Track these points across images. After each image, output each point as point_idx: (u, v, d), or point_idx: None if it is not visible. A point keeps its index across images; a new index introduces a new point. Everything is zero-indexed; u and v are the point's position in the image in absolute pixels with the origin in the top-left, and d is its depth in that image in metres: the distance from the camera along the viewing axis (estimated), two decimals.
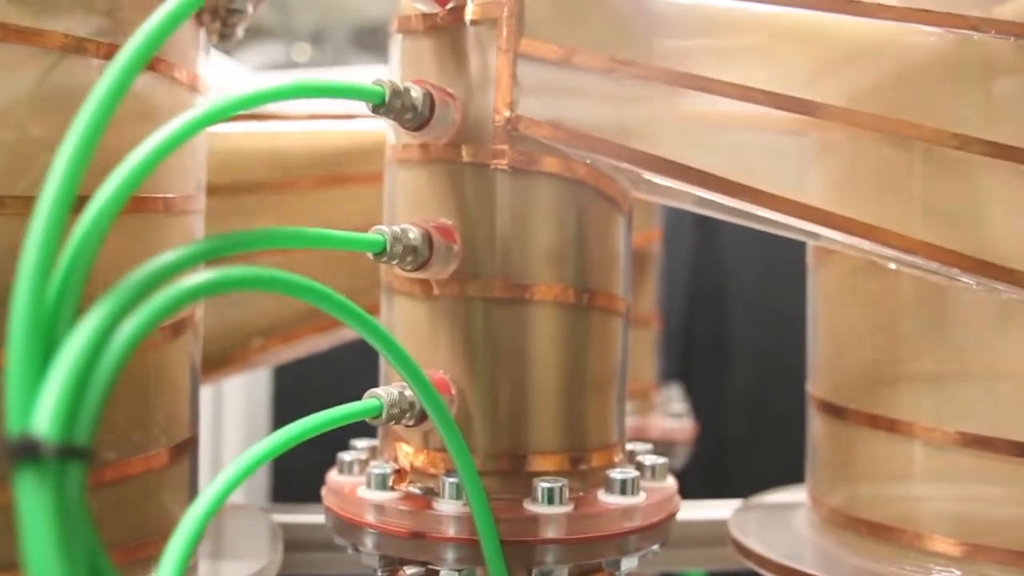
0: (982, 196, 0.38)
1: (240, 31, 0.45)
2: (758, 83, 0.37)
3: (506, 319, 0.37)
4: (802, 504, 0.50)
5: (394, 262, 0.35)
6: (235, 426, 1.06)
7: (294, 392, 1.13)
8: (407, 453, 0.39)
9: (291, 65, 1.99)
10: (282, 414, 1.15)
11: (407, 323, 0.39)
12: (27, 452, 0.18)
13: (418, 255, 0.35)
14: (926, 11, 0.38)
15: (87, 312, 0.21)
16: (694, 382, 1.13)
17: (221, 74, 1.01)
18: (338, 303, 0.29)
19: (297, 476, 0.64)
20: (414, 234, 0.35)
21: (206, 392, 1.01)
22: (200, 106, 0.26)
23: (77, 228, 0.22)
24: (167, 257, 0.23)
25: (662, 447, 0.75)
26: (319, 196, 0.55)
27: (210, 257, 0.25)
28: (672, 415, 0.78)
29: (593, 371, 0.39)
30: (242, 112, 0.28)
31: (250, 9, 0.43)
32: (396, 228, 0.34)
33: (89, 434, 0.19)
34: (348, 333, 0.55)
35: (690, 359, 1.24)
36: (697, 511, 0.56)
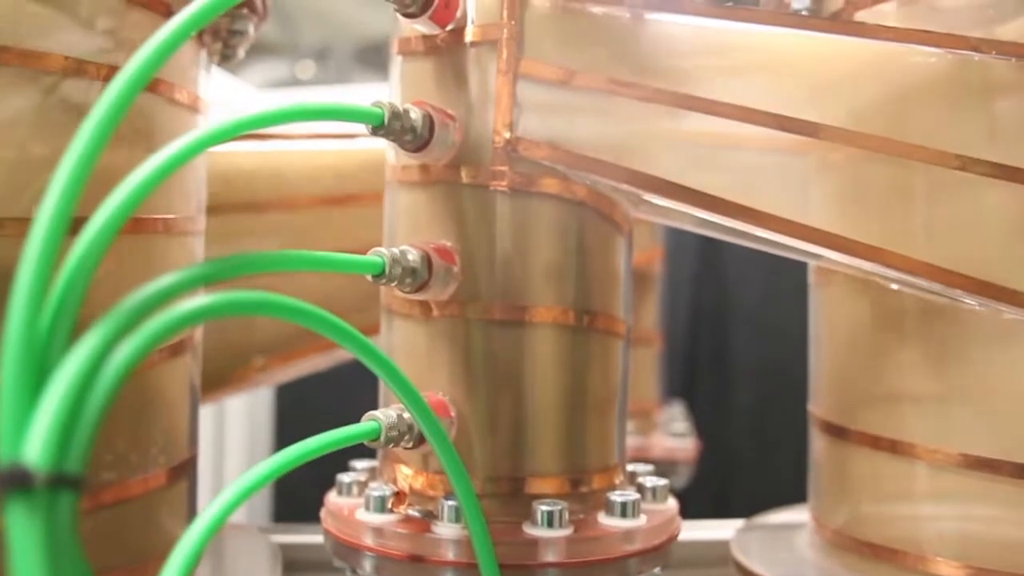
0: (984, 216, 0.38)
1: (242, 52, 0.45)
2: (760, 103, 0.37)
3: (505, 341, 0.37)
4: (805, 524, 0.49)
5: (393, 284, 0.34)
6: (237, 445, 1.06)
7: (296, 410, 1.13)
8: (406, 475, 0.39)
9: (295, 82, 1.99)
10: (284, 432, 1.15)
11: (406, 344, 0.39)
12: (17, 482, 0.18)
13: (417, 277, 0.35)
14: (926, 32, 0.38)
15: (82, 335, 0.21)
16: (697, 399, 1.12)
17: (224, 92, 1.02)
18: (336, 327, 0.28)
19: (300, 493, 0.64)
20: (413, 256, 0.35)
21: (208, 411, 1.01)
22: (200, 129, 0.26)
23: (73, 251, 0.22)
24: (165, 280, 0.23)
25: (664, 467, 0.75)
26: (321, 215, 0.55)
27: (209, 281, 0.25)
28: (674, 435, 0.77)
29: (593, 393, 0.39)
30: (242, 135, 0.28)
31: (251, 30, 0.43)
32: (395, 250, 0.34)
33: (81, 463, 0.19)
34: (348, 352, 0.55)
35: (693, 376, 1.23)
36: (700, 531, 0.56)
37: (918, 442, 0.41)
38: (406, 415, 0.35)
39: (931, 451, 0.40)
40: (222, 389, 0.54)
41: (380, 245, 0.36)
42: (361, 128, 0.35)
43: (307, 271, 0.30)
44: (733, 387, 1.24)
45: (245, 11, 0.43)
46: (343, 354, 0.56)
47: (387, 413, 0.34)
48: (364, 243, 0.46)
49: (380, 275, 0.34)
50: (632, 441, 0.73)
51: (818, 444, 0.47)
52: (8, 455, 0.18)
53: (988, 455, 0.39)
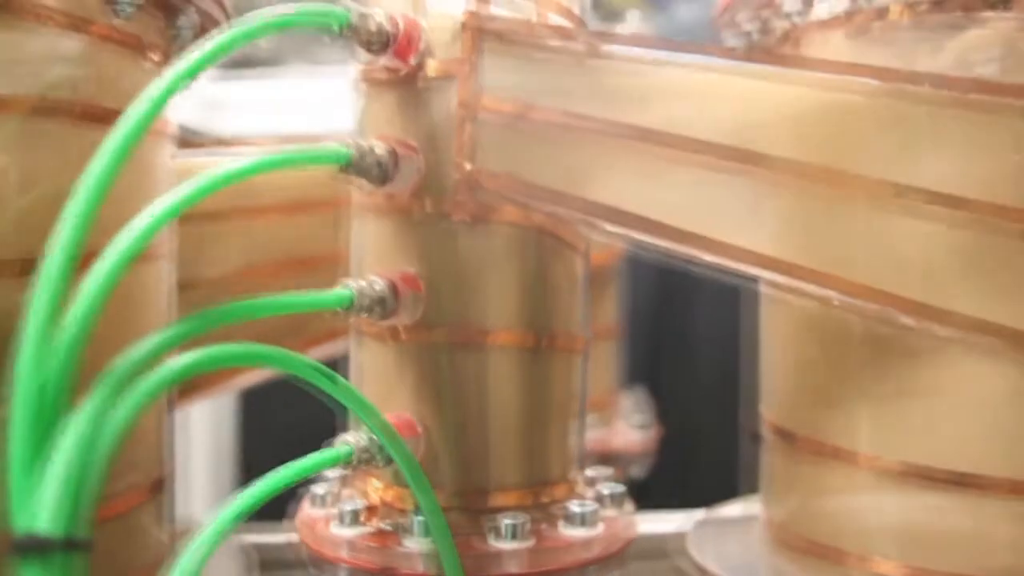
0: (919, 241, 0.40)
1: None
2: (705, 132, 0.39)
3: (469, 363, 0.39)
4: (759, 518, 0.52)
5: (362, 314, 0.36)
6: (202, 457, 1.06)
7: (261, 421, 1.13)
8: (377, 488, 0.41)
9: (253, 48, 1.96)
10: (249, 444, 1.14)
11: (376, 366, 0.41)
12: (33, 548, 0.19)
13: (385, 306, 0.37)
14: (861, 65, 0.40)
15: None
16: (662, 380, 1.14)
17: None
18: (308, 366, 0.30)
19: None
20: (380, 286, 0.37)
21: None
22: (174, 192, 0.27)
23: (72, 312, 0.24)
24: (152, 341, 0.25)
25: (624, 457, 0.77)
26: (288, 223, 0.56)
27: (189, 338, 0.26)
28: (634, 426, 0.80)
29: (554, 409, 0.41)
30: (221, 189, 0.29)
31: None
32: (362, 282, 0.36)
33: (88, 525, 0.21)
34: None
35: (658, 357, 1.25)
36: (661, 524, 0.58)
37: (860, 450, 0.43)
38: (376, 437, 0.37)
39: (872, 459, 0.43)
40: (188, 396, 0.56)
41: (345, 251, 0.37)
42: (323, 133, 0.36)
43: (282, 314, 0.32)
44: (699, 365, 1.26)
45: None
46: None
47: (358, 436, 0.36)
48: (330, 249, 0.48)
49: (350, 307, 0.35)
50: (592, 434, 0.76)
51: (768, 445, 0.50)
52: (23, 523, 0.20)
53: (926, 463, 0.42)
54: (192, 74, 0.29)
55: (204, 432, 1.06)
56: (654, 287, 1.25)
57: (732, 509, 0.57)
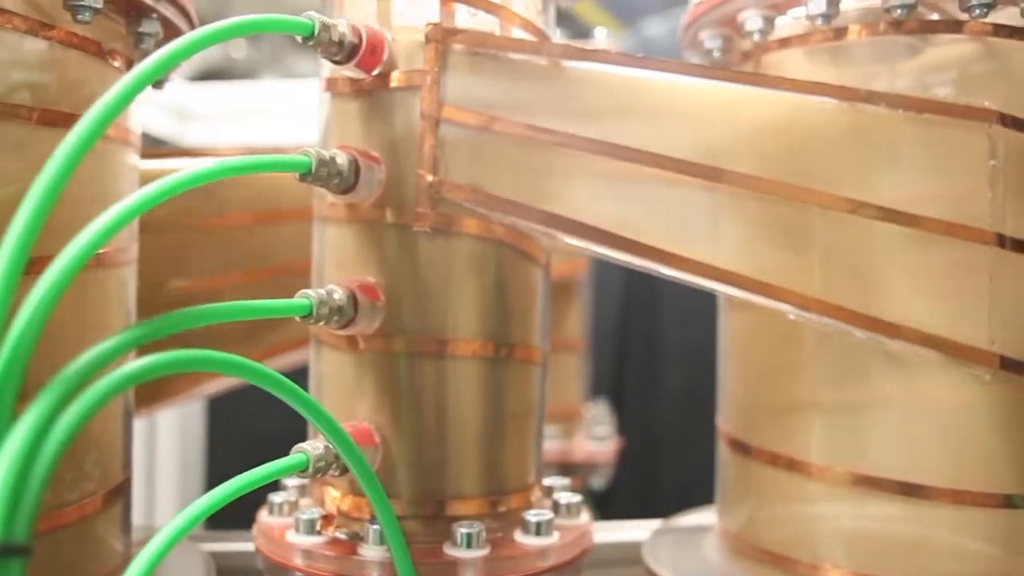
0: (872, 256, 0.41)
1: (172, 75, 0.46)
2: (666, 148, 0.40)
3: (428, 373, 0.39)
4: (714, 527, 0.52)
5: (321, 323, 0.36)
6: (169, 463, 1.05)
7: (228, 426, 1.12)
8: (334, 497, 0.41)
9: (228, 63, 1.96)
10: (216, 451, 1.13)
11: (335, 374, 0.41)
12: None
13: (344, 315, 0.37)
14: (820, 84, 0.40)
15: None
16: (627, 387, 1.15)
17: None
18: (262, 374, 0.30)
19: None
20: (339, 295, 0.37)
21: (139, 429, 1.00)
22: (132, 196, 0.27)
23: (16, 321, 0.24)
24: (103, 346, 0.25)
25: (586, 468, 0.78)
26: (254, 231, 0.56)
27: (145, 341, 0.26)
28: (596, 438, 0.80)
29: (511, 419, 0.41)
30: (180, 193, 0.29)
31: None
32: (321, 291, 0.36)
33: (28, 531, 0.21)
34: (277, 366, 0.56)
35: (623, 365, 1.26)
36: (621, 533, 0.59)
37: (812, 460, 0.44)
38: (332, 446, 0.37)
39: (823, 469, 0.44)
40: (153, 403, 0.55)
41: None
42: (292, 144, 0.36)
43: (239, 320, 0.32)
44: (664, 373, 1.26)
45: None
46: (275, 365, 0.57)
47: (314, 445, 0.36)
48: (297, 257, 0.48)
49: (308, 316, 0.36)
50: (555, 445, 0.76)
51: (723, 456, 0.50)
52: None
53: (874, 473, 0.42)
54: (152, 77, 0.28)
55: (171, 440, 1.05)
56: (620, 297, 1.25)
57: (691, 518, 0.58)
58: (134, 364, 0.25)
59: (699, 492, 0.60)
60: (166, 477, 1.03)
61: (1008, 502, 0.42)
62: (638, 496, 1.11)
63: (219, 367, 0.28)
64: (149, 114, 0.96)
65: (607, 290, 1.17)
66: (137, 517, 0.46)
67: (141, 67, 0.28)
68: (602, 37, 0.79)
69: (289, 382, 0.32)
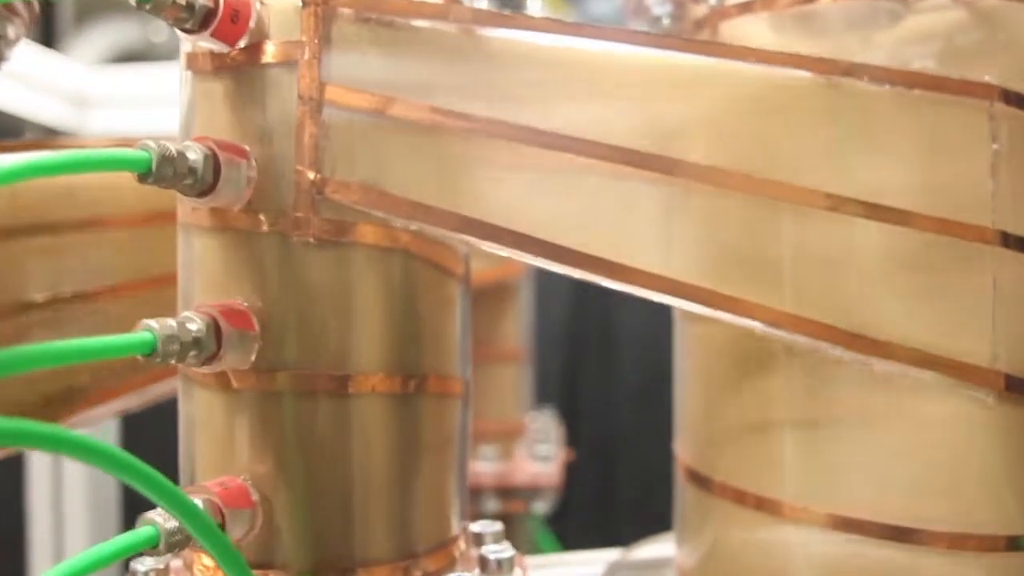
0: (855, 262, 0.35)
1: (8, 54, 0.39)
2: (607, 135, 0.33)
3: (320, 415, 0.32)
4: (672, 560, 0.46)
5: (172, 361, 0.29)
6: (79, 509, 0.97)
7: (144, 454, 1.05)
8: (206, 567, 0.33)
9: (147, 46, 1.86)
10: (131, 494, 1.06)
11: (205, 419, 0.33)
12: None
13: (203, 349, 0.29)
14: (791, 54, 0.34)
15: None
16: (580, 390, 1.09)
17: (49, 72, 0.92)
18: (70, 442, 0.23)
19: None
20: (196, 325, 0.29)
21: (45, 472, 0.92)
22: None
23: None
24: None
25: (528, 493, 0.71)
26: (130, 235, 0.49)
27: None
28: (539, 457, 0.73)
29: (427, 464, 0.34)
30: None
31: (12, 34, 0.37)
32: (171, 321, 0.29)
33: None
34: (161, 390, 0.49)
35: (576, 364, 1.20)
36: (573, 568, 0.55)
37: (784, 499, 0.38)
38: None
39: (797, 509, 0.37)
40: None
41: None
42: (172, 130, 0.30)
43: (75, 363, 0.24)
44: (619, 367, 1.21)
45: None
46: (160, 390, 0.51)
47: (165, 515, 0.29)
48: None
49: (151, 354, 0.28)
50: (493, 467, 0.69)
51: (682, 490, 0.44)
52: None
53: (857, 515, 0.36)
54: None
55: (80, 468, 0.97)
56: (571, 286, 1.19)
57: (650, 549, 0.52)
58: None
59: (661, 501, 0.54)
60: (78, 512, 0.94)
61: (1014, 545, 0.36)
62: (593, 509, 1.04)
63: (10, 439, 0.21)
64: (40, 101, 0.87)
65: (556, 282, 1.11)
66: (44, 559, 0.39)
67: None
68: (535, 8, 0.72)
69: (108, 447, 0.24)
